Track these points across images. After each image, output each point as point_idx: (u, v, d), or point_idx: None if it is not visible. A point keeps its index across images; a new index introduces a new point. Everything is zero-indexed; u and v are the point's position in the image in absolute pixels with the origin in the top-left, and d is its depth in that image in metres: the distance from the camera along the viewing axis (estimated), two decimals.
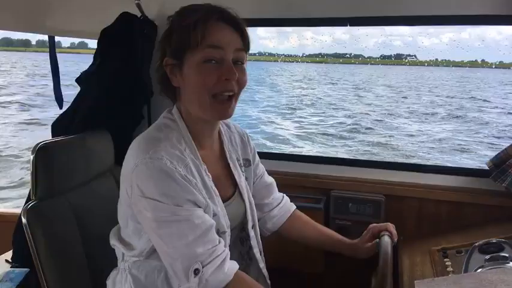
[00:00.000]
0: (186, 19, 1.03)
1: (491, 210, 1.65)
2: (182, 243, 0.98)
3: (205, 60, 1.02)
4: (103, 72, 1.72)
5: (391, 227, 1.34)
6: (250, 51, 1.11)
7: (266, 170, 1.45)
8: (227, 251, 1.04)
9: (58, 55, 2.08)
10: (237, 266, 1.04)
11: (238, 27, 1.06)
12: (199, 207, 1.03)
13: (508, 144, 1.62)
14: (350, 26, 1.78)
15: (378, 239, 1.31)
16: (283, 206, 1.44)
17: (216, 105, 1.05)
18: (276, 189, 1.45)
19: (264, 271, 1.30)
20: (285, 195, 1.48)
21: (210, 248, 0.99)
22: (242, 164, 1.30)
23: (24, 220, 1.24)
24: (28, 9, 1.79)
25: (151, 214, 0.99)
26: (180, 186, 0.99)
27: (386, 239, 1.24)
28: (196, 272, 0.97)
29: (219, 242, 1.03)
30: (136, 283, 1.12)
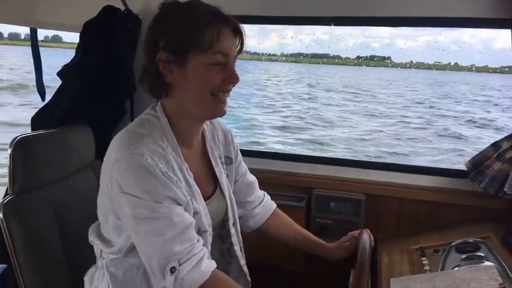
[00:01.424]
0: (195, 18, 1.02)
1: (469, 210, 1.68)
2: (159, 240, 0.97)
3: (212, 64, 1.04)
4: (85, 66, 1.70)
5: (368, 231, 1.35)
6: None
7: (248, 168, 1.45)
8: (205, 249, 1.03)
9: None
10: (215, 265, 1.04)
11: (241, 36, 1.09)
12: (179, 204, 1.02)
13: (486, 146, 1.66)
14: (334, 25, 1.79)
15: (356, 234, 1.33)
16: (265, 204, 1.45)
17: (215, 103, 1.07)
18: (258, 187, 1.46)
19: (245, 268, 1.31)
20: (265, 193, 1.48)
21: (187, 246, 0.99)
22: (224, 162, 1.30)
23: (0, 215, 1.21)
24: (10, 1, 1.75)
25: (129, 210, 0.98)
26: (161, 182, 0.98)
27: (365, 236, 1.26)
28: (172, 270, 0.96)
29: (198, 241, 1.02)
30: (114, 280, 1.11)
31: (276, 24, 1.93)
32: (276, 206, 1.48)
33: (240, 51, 1.11)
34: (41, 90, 2.05)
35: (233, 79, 1.07)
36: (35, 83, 2.06)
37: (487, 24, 1.64)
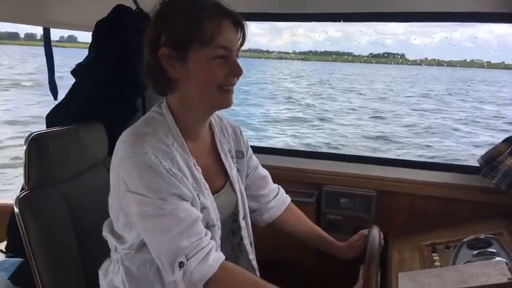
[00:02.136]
0: (196, 13, 1.03)
1: (481, 206, 1.67)
2: (167, 237, 0.99)
3: (214, 57, 1.04)
4: (97, 64, 1.72)
5: (378, 228, 1.34)
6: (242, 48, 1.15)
7: None
8: (213, 242, 1.04)
9: (39, 49, 2.09)
10: (223, 257, 1.05)
11: (243, 30, 1.10)
12: (185, 200, 1.03)
13: (500, 141, 1.64)
14: (344, 21, 1.79)
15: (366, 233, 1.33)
16: (280, 197, 1.45)
17: (222, 95, 1.08)
18: (271, 181, 1.46)
19: (254, 263, 1.31)
20: (280, 186, 1.49)
21: (195, 240, 1.00)
22: (234, 156, 1.31)
23: (16, 210, 1.24)
24: (23, 0, 1.78)
25: (136, 208, 1.00)
26: (165, 180, 1.00)
27: (374, 232, 1.26)
28: (181, 264, 0.98)
29: (205, 235, 1.03)
30: (128, 274, 1.13)
31: (284, 21, 1.94)
32: (290, 200, 1.49)
33: (242, 44, 1.11)
34: (54, 89, 2.08)
35: (236, 72, 1.07)
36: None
37: (497, 19, 1.63)
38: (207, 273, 1.00)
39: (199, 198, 1.08)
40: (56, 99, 2.04)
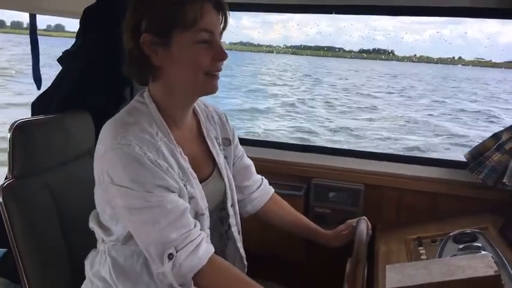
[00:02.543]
0: None
1: (468, 201, 1.69)
2: (155, 229, 0.97)
3: (198, 42, 1.02)
4: (85, 52, 1.69)
5: (367, 219, 1.35)
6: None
7: (248, 157, 1.45)
8: (203, 234, 1.04)
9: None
10: (212, 250, 1.04)
11: (224, 13, 1.08)
12: (172, 192, 1.02)
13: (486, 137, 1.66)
14: (336, 13, 1.78)
15: (354, 224, 1.33)
16: (263, 188, 1.44)
17: (207, 81, 1.07)
18: (255, 171, 1.45)
19: (242, 251, 1.31)
20: (263, 177, 1.48)
21: (184, 232, 0.99)
22: (221, 143, 1.29)
23: (0, 199, 1.22)
24: None
25: (122, 201, 0.98)
26: (150, 172, 0.98)
27: (362, 226, 1.26)
28: (170, 256, 0.97)
29: (195, 226, 1.03)
30: (115, 265, 1.11)
31: (278, 12, 1.92)
32: (273, 191, 1.48)
33: (225, 28, 1.10)
34: (37, 78, 2.03)
35: (221, 56, 1.06)
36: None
37: (492, 15, 1.63)
38: (196, 266, 0.99)
39: (187, 188, 1.07)
40: (39, 89, 1.99)
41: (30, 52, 1.98)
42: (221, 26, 1.08)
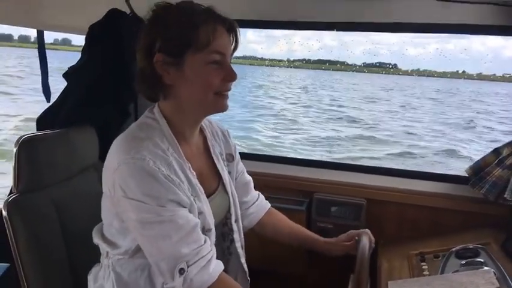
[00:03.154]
0: (191, 18, 1.03)
1: (470, 216, 1.69)
2: (167, 243, 0.98)
3: (209, 62, 1.05)
4: (90, 68, 1.71)
5: (369, 232, 1.34)
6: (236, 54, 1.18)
7: (250, 171, 1.46)
8: (213, 251, 1.05)
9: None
10: (222, 267, 1.05)
11: (235, 36, 1.12)
12: (183, 207, 1.03)
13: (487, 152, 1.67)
14: (337, 30, 1.81)
15: (356, 238, 1.32)
16: (259, 203, 1.46)
17: (218, 100, 1.10)
18: (253, 187, 1.47)
19: (245, 266, 1.32)
20: (260, 193, 1.49)
21: (195, 248, 1.00)
22: (225, 159, 1.31)
23: (4, 213, 1.22)
24: (17, 3, 1.77)
25: (134, 215, 0.99)
26: (163, 186, 0.99)
27: (364, 241, 1.26)
28: (181, 271, 0.98)
29: (205, 242, 1.03)
30: (119, 281, 1.12)
31: (278, 28, 1.95)
32: (270, 205, 1.49)
33: (235, 49, 1.13)
34: (47, 91, 2.07)
35: (231, 77, 1.09)
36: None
37: (491, 31, 1.66)
38: (207, 281, 1.00)
39: (196, 203, 1.08)
40: (48, 101, 2.02)
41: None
42: (232, 48, 1.12)
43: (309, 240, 1.41)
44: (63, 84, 1.71)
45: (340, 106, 21.02)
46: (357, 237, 1.33)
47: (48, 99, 2.03)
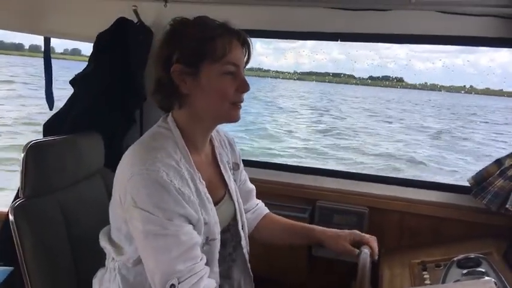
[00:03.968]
0: (208, 31, 1.08)
1: (471, 226, 1.69)
2: (165, 258, 1.00)
3: (224, 73, 1.09)
4: (97, 75, 1.74)
5: (373, 241, 1.32)
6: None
7: (253, 178, 1.48)
8: (206, 269, 1.05)
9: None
10: (214, 285, 1.06)
11: (249, 48, 1.16)
12: (190, 223, 1.04)
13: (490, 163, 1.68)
14: (341, 41, 1.83)
15: (358, 250, 1.30)
16: (257, 210, 1.47)
17: (232, 110, 1.14)
18: (255, 196, 1.49)
19: (250, 272, 1.33)
20: (260, 201, 1.50)
21: (190, 265, 1.01)
22: (232, 167, 1.33)
23: (11, 217, 1.24)
24: (25, 9, 1.81)
25: (141, 225, 1.00)
26: (174, 199, 1.01)
27: (365, 256, 1.23)
28: (172, 287, 0.99)
29: (200, 260, 1.04)
30: (125, 283, 1.13)
31: (282, 38, 1.97)
32: (268, 211, 1.50)
33: (248, 61, 1.17)
34: (50, 99, 2.09)
35: (245, 87, 1.13)
36: None
37: (491, 43, 1.67)
38: None
39: (202, 215, 1.09)
40: (51, 109, 2.04)
41: None
42: (245, 60, 1.16)
43: (307, 234, 1.39)
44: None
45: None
46: (358, 250, 1.29)
47: (51, 107, 2.05)
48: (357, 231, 1.36)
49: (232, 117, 1.15)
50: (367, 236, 1.34)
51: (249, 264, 1.32)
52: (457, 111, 31.71)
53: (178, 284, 0.99)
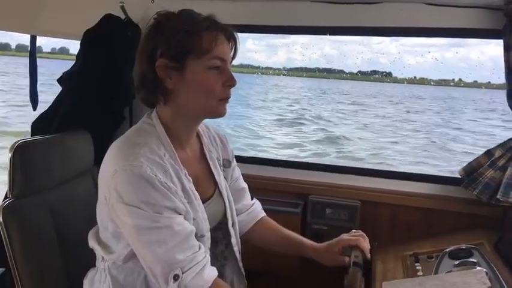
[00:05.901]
0: (193, 25, 1.06)
1: (463, 217, 1.70)
2: (162, 250, 0.99)
3: (210, 68, 1.08)
4: (85, 73, 1.72)
5: (362, 241, 1.26)
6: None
7: (245, 174, 1.47)
8: (208, 257, 1.05)
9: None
10: (216, 273, 1.06)
11: (235, 43, 1.15)
12: (179, 214, 1.04)
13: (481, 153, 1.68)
14: (330, 35, 1.83)
15: (347, 256, 1.26)
16: (251, 212, 1.44)
17: (219, 105, 1.12)
18: (249, 195, 1.46)
19: (242, 270, 1.32)
20: (256, 201, 1.48)
21: (190, 254, 1.01)
22: (222, 164, 1.32)
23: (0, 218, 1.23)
24: (11, 7, 1.77)
25: (131, 220, 0.99)
26: (160, 193, 1.00)
27: (354, 269, 1.15)
28: (175, 277, 0.98)
29: (199, 248, 1.04)
30: (115, 283, 1.12)
31: (271, 33, 1.96)
32: (264, 215, 1.46)
33: (234, 56, 1.16)
34: (34, 98, 2.05)
35: (231, 82, 1.11)
36: None
37: (479, 35, 1.68)
38: (202, 287, 1.01)
39: (189, 209, 1.08)
40: (34, 109, 2.01)
41: None
42: (231, 55, 1.14)
43: (298, 248, 1.36)
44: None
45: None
46: (348, 258, 1.25)
47: (34, 107, 2.02)
48: (344, 236, 1.30)
49: (219, 112, 1.14)
50: (354, 238, 1.28)
51: (240, 263, 1.31)
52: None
53: (182, 274, 0.99)
